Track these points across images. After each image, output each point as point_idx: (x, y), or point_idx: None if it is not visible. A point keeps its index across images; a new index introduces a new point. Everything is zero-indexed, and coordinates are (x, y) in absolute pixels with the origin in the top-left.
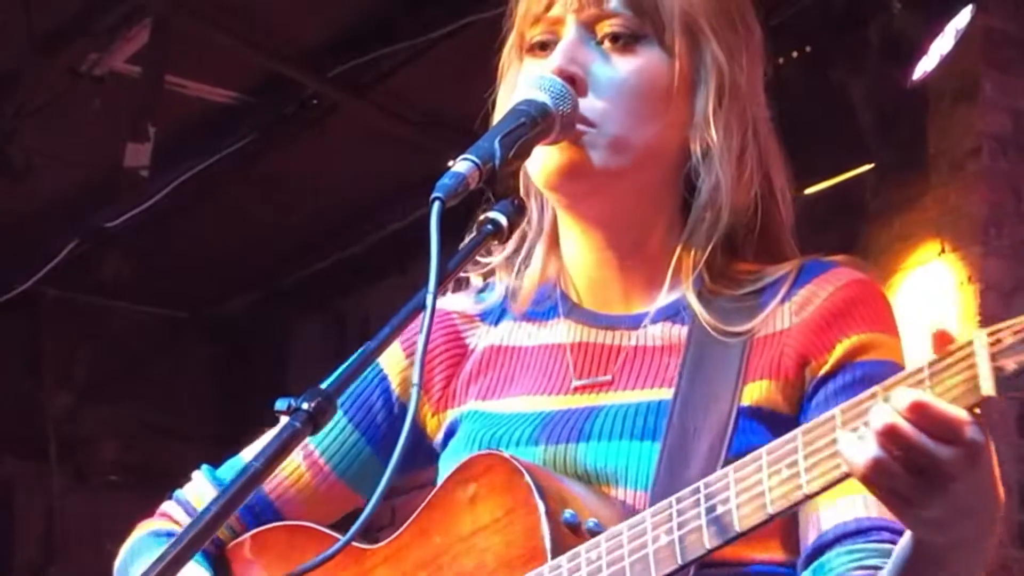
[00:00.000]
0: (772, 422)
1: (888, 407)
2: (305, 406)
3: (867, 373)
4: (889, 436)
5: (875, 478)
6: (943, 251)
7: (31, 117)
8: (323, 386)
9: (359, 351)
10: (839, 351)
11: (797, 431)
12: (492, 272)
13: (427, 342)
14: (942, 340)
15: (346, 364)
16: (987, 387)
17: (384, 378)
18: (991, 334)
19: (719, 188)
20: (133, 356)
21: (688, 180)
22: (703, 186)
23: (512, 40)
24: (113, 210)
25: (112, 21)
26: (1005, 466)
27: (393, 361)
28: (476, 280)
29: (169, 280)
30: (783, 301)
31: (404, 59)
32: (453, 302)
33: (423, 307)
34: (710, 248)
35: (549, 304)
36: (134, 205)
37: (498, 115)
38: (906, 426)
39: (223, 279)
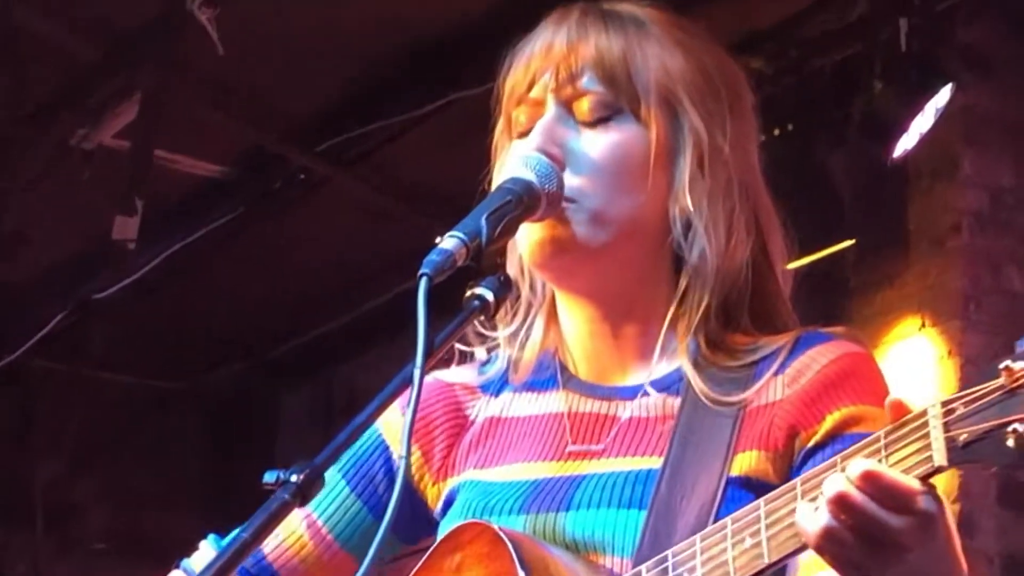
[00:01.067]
0: (761, 492)
1: (841, 476)
2: (293, 479)
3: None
4: (840, 504)
5: (827, 546)
6: (924, 326)
7: (20, 191)
8: (314, 459)
9: (350, 425)
10: (828, 423)
11: (760, 500)
12: (497, 344)
13: (415, 417)
14: (898, 410)
15: (337, 437)
16: (939, 458)
17: (386, 447)
18: (944, 404)
19: (704, 257)
20: (122, 426)
21: (677, 249)
22: (689, 257)
23: (502, 121)
24: (102, 281)
25: (102, 96)
26: (987, 537)
27: (395, 430)
28: (480, 352)
29: (158, 351)
30: (777, 373)
31: (391, 134)
32: (456, 374)
33: (410, 381)
34: (700, 316)
35: (548, 374)
36: (123, 277)
37: None
38: (857, 495)
39: (212, 350)
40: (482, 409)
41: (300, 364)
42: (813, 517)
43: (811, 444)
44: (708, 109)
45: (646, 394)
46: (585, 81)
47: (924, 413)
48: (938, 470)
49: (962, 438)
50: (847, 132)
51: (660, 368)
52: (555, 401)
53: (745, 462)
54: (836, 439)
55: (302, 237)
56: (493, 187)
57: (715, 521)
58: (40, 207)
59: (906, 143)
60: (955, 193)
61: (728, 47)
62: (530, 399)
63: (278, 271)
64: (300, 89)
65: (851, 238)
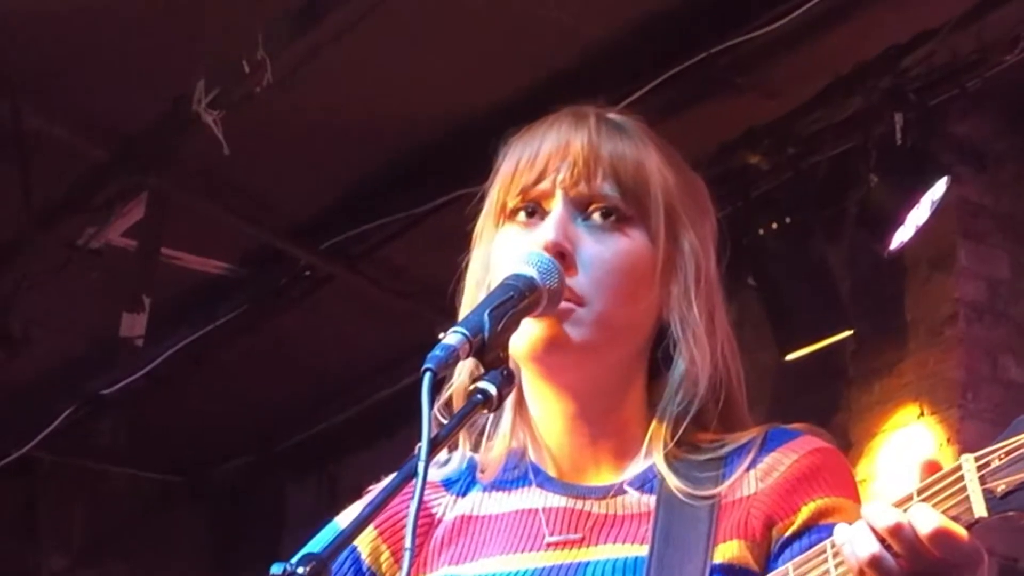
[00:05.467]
0: None
1: (896, 510)
2: (300, 571)
3: (830, 536)
4: (895, 534)
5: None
6: (922, 414)
7: (29, 289)
8: (316, 550)
9: (356, 519)
10: (804, 514)
11: None
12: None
13: (419, 508)
14: (931, 468)
15: (328, 532)
16: (979, 509)
17: (353, 548)
18: (978, 458)
19: (695, 364)
20: (128, 519)
21: (653, 356)
22: (679, 360)
23: (490, 207)
24: (109, 377)
25: (109, 196)
26: None
27: (362, 535)
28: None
29: (164, 445)
30: (749, 468)
31: (395, 231)
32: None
33: (415, 474)
34: (687, 421)
35: (518, 473)
36: (130, 372)
37: (470, 282)
38: (909, 529)
39: (218, 444)
40: (449, 507)
41: (306, 458)
42: (865, 541)
43: (788, 534)
44: (700, 229)
45: (621, 492)
46: (603, 185)
47: (958, 468)
48: (977, 521)
49: (1000, 489)
50: (844, 225)
51: (635, 467)
52: (530, 498)
53: (727, 551)
54: (812, 529)
55: (307, 332)
56: (473, 273)
57: None
58: (48, 305)
59: (902, 235)
60: (952, 284)
61: (727, 144)
62: (501, 498)
63: (284, 366)
64: (305, 187)
65: (850, 328)
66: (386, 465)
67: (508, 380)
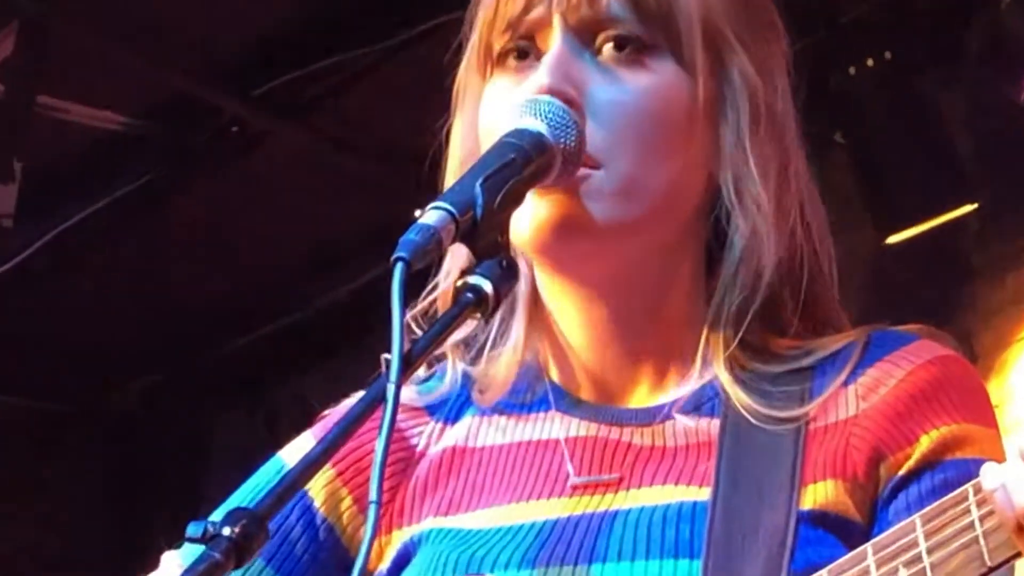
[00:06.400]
0: (842, 531)
1: None
2: (227, 531)
3: (961, 475)
4: None
5: None
6: None
7: None
8: (250, 503)
9: (301, 460)
10: (924, 445)
11: (867, 546)
12: (442, 356)
13: (387, 446)
14: None
15: (269, 473)
16: None
17: (303, 495)
18: None
19: (758, 237)
20: (3, 463)
21: (713, 230)
22: (736, 236)
23: (472, 55)
24: None
25: None
26: None
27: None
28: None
29: (46, 364)
30: (847, 382)
31: (354, 72)
32: None
33: (383, 400)
34: (750, 317)
35: (535, 396)
36: None
37: (455, 150)
38: None
39: (118, 362)
40: (434, 437)
41: (234, 377)
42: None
43: (903, 472)
44: (758, 54)
45: (671, 416)
46: (611, 5)
47: None
48: None
49: None
50: (963, 63)
51: (687, 384)
52: (548, 425)
53: (818, 494)
54: (936, 467)
55: (235, 209)
56: (458, 140)
57: (789, 571)
58: None
59: None
60: None
61: None
62: (506, 424)
63: (204, 255)
64: (232, 14)
65: (972, 201)
66: (345, 385)
67: (508, 274)
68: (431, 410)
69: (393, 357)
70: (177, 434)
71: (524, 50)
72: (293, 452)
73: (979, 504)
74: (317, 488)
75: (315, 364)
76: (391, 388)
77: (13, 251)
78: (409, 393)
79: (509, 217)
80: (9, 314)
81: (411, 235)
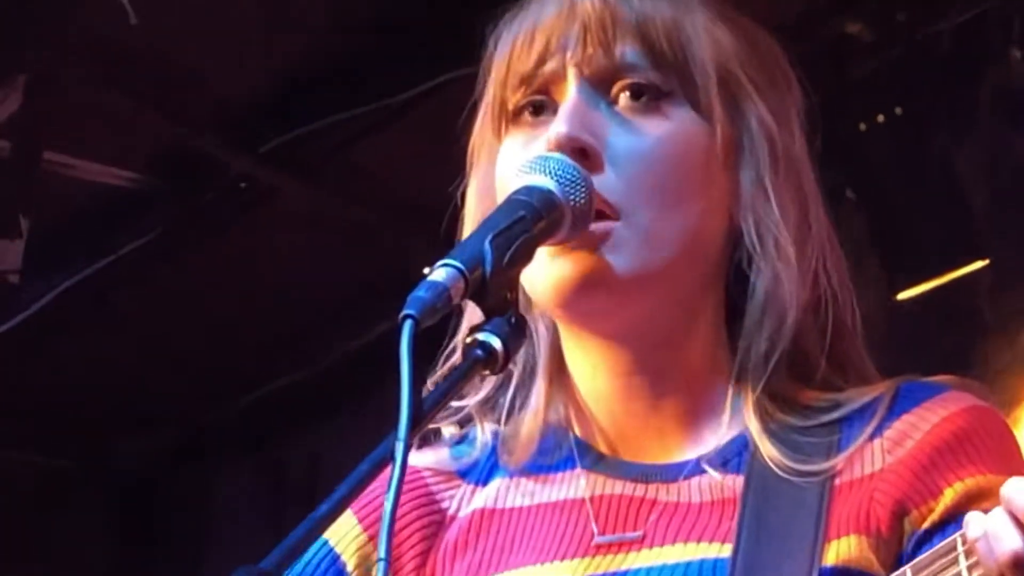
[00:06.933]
0: None
1: None
2: None
3: None
4: None
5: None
6: None
7: None
8: (261, 565)
9: (308, 519)
10: (948, 498)
11: None
12: (469, 418)
13: (396, 505)
14: None
15: (291, 536)
16: None
17: (335, 559)
18: None
19: (780, 282)
20: (7, 520)
21: (734, 277)
22: (758, 281)
23: (486, 113)
24: None
25: None
26: None
27: (345, 534)
28: (449, 430)
29: (50, 418)
30: (873, 436)
31: (364, 128)
32: (423, 457)
33: (391, 459)
34: (773, 363)
35: (560, 455)
36: (2, 320)
37: (471, 211)
38: None
39: (121, 416)
40: (465, 500)
41: (240, 434)
42: (1006, 535)
43: (927, 525)
44: (773, 99)
45: (698, 471)
46: (626, 54)
47: None
48: None
49: None
50: (975, 118)
51: (715, 437)
52: (571, 485)
53: (841, 550)
54: (960, 520)
55: (242, 265)
56: (474, 201)
57: None
58: None
59: None
60: None
61: (816, 6)
62: (534, 487)
63: (211, 310)
64: (240, 68)
65: (984, 258)
66: (353, 442)
67: (518, 331)
68: (463, 474)
69: (402, 414)
70: (183, 492)
71: (539, 105)
72: (334, 530)
73: (967, 554)
74: (350, 552)
75: (323, 421)
76: (399, 446)
77: (19, 307)
78: (441, 457)
79: (519, 274)
80: (15, 370)
81: (420, 292)
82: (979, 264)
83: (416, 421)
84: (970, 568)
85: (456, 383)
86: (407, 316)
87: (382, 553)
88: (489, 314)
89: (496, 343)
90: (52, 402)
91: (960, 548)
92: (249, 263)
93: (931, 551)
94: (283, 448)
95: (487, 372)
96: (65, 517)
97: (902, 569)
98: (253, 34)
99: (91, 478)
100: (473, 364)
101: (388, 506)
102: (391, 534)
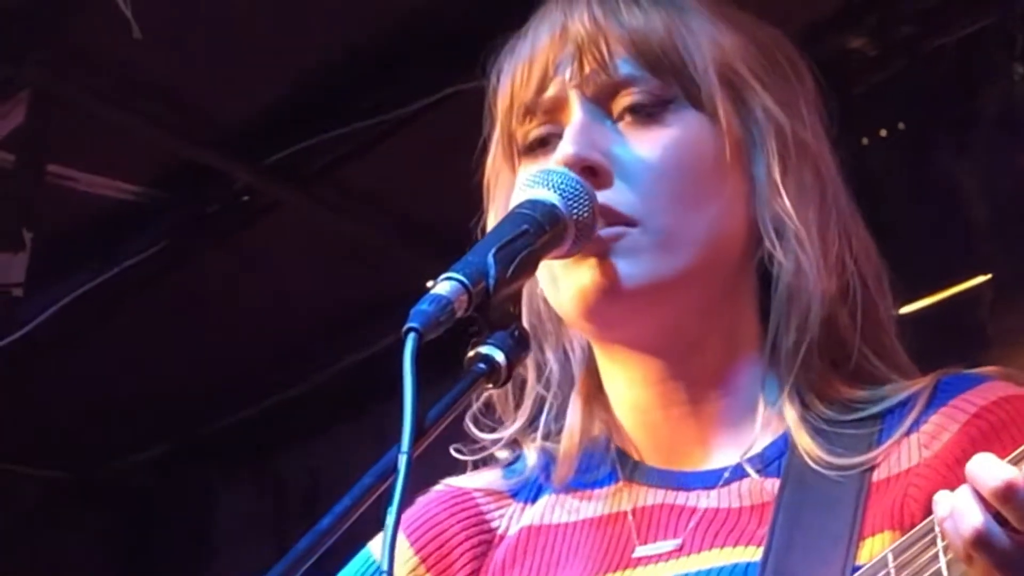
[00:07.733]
0: None
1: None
2: None
3: None
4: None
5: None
6: None
7: None
8: None
9: (310, 533)
10: None
11: None
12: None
13: (399, 517)
14: None
15: (294, 548)
16: None
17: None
18: None
19: (802, 272)
20: (6, 532)
21: (763, 268)
22: (781, 274)
23: (497, 146)
24: None
25: None
26: None
27: (399, 561)
28: (502, 453)
29: (50, 431)
30: (910, 431)
31: (366, 142)
32: (476, 479)
33: (394, 471)
34: (802, 356)
35: (603, 471)
36: (5, 332)
37: None
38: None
39: (121, 429)
40: (515, 519)
41: (240, 448)
42: (968, 513)
43: None
44: (780, 90)
45: (740, 475)
46: (623, 68)
47: None
48: None
49: None
50: (977, 133)
51: (759, 437)
52: (615, 499)
53: (875, 547)
54: None
55: (244, 278)
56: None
57: None
58: None
59: None
60: None
61: (818, 22)
62: (578, 504)
63: (213, 323)
64: (243, 83)
65: (986, 272)
66: (352, 455)
67: (521, 344)
68: (514, 493)
69: (404, 427)
70: (183, 504)
71: (547, 135)
72: (377, 542)
73: (943, 536)
74: (403, 572)
75: (322, 434)
76: (402, 458)
77: (23, 320)
78: (493, 477)
79: (522, 287)
80: (17, 382)
81: (423, 305)
82: (980, 279)
83: (419, 433)
84: (946, 548)
85: (458, 396)
86: (410, 329)
87: (384, 565)
88: (492, 327)
89: (499, 357)
90: (53, 415)
91: (937, 529)
92: (250, 277)
93: (910, 533)
94: (283, 462)
95: (490, 385)
96: (65, 531)
97: (883, 552)
98: (256, 48)
99: (91, 491)
100: (476, 378)
101: (390, 520)
102: (393, 546)
